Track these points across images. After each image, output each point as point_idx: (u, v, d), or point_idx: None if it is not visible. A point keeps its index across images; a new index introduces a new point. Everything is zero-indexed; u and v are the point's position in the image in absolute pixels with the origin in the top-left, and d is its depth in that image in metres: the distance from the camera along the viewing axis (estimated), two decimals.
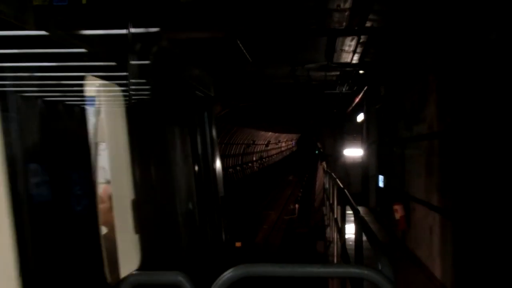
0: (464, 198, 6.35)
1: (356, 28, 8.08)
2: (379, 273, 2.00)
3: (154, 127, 4.25)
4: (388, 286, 1.90)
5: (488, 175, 5.56)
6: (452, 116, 6.96)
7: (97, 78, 2.94)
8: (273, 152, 75.65)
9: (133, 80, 3.38)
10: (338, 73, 13.04)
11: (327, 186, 12.92)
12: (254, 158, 59.72)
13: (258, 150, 61.48)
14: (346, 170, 23.39)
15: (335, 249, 8.23)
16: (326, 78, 14.11)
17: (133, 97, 3.38)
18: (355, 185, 21.30)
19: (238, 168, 48.09)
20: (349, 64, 11.55)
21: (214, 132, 6.24)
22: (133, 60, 3.34)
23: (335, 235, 8.35)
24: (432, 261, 7.83)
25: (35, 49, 2.50)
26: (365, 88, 15.36)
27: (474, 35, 6.18)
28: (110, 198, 3.74)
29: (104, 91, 3.11)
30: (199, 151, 5.62)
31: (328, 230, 11.64)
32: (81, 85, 2.80)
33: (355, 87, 15.61)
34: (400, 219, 10.39)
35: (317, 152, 40.00)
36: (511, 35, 4.96)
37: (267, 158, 69.91)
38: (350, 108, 20.04)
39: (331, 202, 10.85)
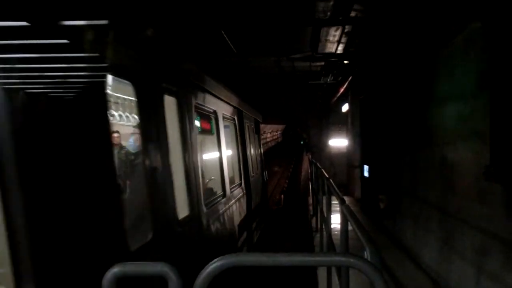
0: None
1: (340, 18, 8.06)
2: (366, 261, 1.99)
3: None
4: (375, 274, 1.89)
5: None
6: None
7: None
8: None
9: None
10: (322, 63, 13.02)
11: (312, 176, 12.97)
12: None
13: None
14: (331, 160, 23.48)
15: (320, 239, 8.26)
16: (311, 69, 14.09)
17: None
18: (340, 175, 21.40)
19: None
20: (334, 54, 11.54)
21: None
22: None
23: (321, 225, 8.38)
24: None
25: (16, 41, 2.47)
26: (349, 79, 15.39)
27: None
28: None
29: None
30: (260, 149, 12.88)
31: (313, 220, 11.68)
32: (65, 77, 2.80)
33: (340, 78, 15.62)
34: (385, 209, 10.47)
35: (302, 142, 40.01)
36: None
37: None
38: (335, 98, 20.07)
39: (316, 192, 10.89)
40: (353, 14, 7.80)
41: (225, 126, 8.03)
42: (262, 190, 12.63)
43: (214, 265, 1.93)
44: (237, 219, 8.01)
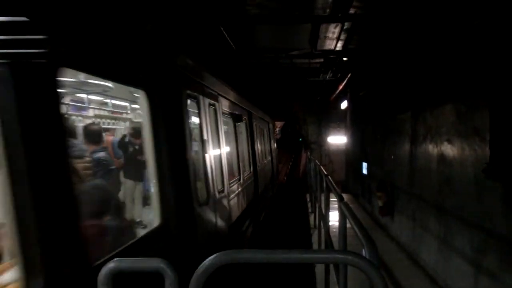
0: None
1: (340, 15, 8.04)
2: (364, 259, 1.97)
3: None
4: (373, 272, 1.88)
5: None
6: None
7: None
8: None
9: None
10: (321, 60, 13.00)
11: (311, 173, 12.95)
12: None
13: None
14: (330, 157, 23.46)
15: (318, 236, 8.25)
16: (310, 66, 14.09)
17: None
18: (338, 173, 21.40)
19: None
20: (333, 51, 11.53)
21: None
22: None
23: (319, 222, 8.36)
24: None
25: None
26: (348, 75, 15.37)
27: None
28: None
29: None
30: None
31: (311, 217, 11.67)
32: None
33: (339, 74, 15.61)
34: (384, 206, 10.47)
35: (300, 140, 40.03)
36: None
37: None
38: (334, 95, 20.05)
39: (314, 189, 10.87)
40: (352, 11, 7.79)
41: (257, 129, 12.53)
42: (275, 169, 19.01)
43: (210, 261, 1.92)
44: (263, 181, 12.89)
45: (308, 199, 14.67)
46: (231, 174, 7.55)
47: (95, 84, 7.08)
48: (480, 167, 5.26)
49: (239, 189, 8.09)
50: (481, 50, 5.43)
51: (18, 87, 2.15)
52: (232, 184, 7.29)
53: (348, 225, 3.67)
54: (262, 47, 11.53)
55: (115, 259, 1.96)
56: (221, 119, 6.56)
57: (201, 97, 5.27)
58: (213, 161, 5.63)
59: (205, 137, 5.39)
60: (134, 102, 10.11)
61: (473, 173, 5.63)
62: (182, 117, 4.28)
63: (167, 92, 3.94)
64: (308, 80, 17.08)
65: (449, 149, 6.55)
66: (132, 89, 3.95)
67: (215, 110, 6.16)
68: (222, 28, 8.83)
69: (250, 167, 10.35)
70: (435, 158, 7.16)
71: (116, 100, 10.43)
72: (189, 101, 4.69)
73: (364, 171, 14.14)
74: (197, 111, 5.16)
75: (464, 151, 5.99)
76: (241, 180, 8.45)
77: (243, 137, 10.00)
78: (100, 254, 2.65)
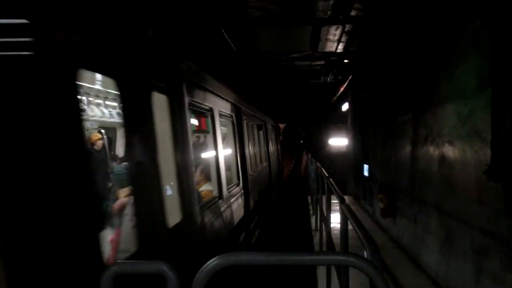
0: None
1: (341, 17, 8.03)
2: (366, 261, 1.98)
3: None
4: (375, 274, 1.88)
5: None
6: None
7: None
8: None
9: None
10: (322, 62, 12.98)
11: (312, 175, 12.94)
12: None
13: None
14: (331, 159, 23.47)
15: (320, 238, 8.25)
16: (310, 68, 14.06)
17: None
18: (339, 174, 21.37)
19: None
20: (334, 54, 11.51)
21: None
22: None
23: (320, 224, 8.36)
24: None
25: None
26: (349, 78, 15.36)
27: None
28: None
29: None
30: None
31: (313, 219, 11.67)
32: None
33: (340, 77, 15.59)
34: (385, 208, 10.46)
35: (301, 142, 40.05)
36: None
37: None
38: (335, 97, 20.05)
39: (316, 191, 10.87)
40: (353, 13, 7.77)
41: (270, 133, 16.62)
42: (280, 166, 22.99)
43: (212, 264, 1.92)
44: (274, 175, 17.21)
45: (310, 201, 14.67)
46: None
47: None
48: (482, 169, 5.26)
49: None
50: (482, 50, 5.44)
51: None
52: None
53: (349, 227, 3.67)
54: (263, 50, 11.52)
55: (118, 261, 1.96)
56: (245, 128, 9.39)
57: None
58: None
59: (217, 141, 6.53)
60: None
61: (475, 174, 5.63)
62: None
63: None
64: (309, 82, 17.06)
65: (450, 151, 6.55)
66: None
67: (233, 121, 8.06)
68: (223, 30, 8.83)
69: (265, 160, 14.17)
70: (436, 160, 7.16)
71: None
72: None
73: (365, 173, 14.13)
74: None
75: (465, 153, 5.99)
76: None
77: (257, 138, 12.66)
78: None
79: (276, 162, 19.92)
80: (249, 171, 9.47)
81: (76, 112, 2.68)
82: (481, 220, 5.48)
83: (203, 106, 6.11)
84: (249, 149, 10.23)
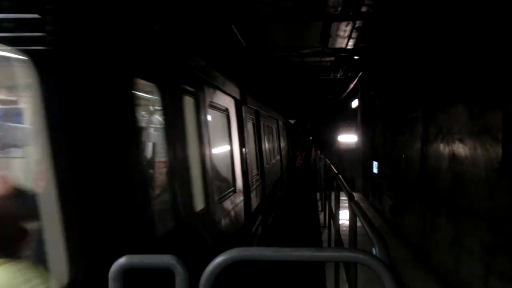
0: None
1: (351, 13, 8.00)
2: (375, 258, 1.96)
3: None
4: (384, 272, 1.87)
5: None
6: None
7: None
8: None
9: None
10: (332, 58, 12.96)
11: (321, 172, 12.93)
12: None
13: None
14: (340, 156, 23.42)
15: (328, 235, 8.24)
16: (320, 64, 14.04)
17: None
18: (349, 171, 21.32)
19: None
20: (344, 50, 11.48)
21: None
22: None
23: (329, 220, 8.35)
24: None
25: None
26: (359, 74, 15.31)
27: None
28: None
29: None
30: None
31: (321, 216, 11.66)
32: None
33: (350, 73, 15.54)
34: (395, 205, 10.42)
35: (311, 138, 40.09)
36: None
37: None
38: (345, 94, 19.98)
39: (324, 187, 10.86)
40: (364, 9, 7.75)
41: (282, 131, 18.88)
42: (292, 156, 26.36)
43: (220, 259, 1.92)
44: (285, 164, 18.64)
45: (318, 198, 14.66)
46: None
47: None
48: (492, 166, 5.22)
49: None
50: (494, 48, 5.40)
51: None
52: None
53: (358, 223, 3.66)
54: (273, 45, 11.51)
55: (126, 255, 1.96)
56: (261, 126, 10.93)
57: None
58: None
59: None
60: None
61: (485, 172, 5.59)
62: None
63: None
64: (319, 78, 17.03)
65: (461, 149, 6.51)
66: None
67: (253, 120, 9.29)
68: (233, 26, 8.82)
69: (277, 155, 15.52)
70: (446, 157, 7.12)
71: None
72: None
73: (375, 170, 14.07)
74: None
75: (476, 150, 5.95)
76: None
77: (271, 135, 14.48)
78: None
79: (287, 156, 21.45)
80: (265, 165, 11.21)
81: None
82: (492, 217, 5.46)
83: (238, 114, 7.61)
84: (264, 146, 11.45)
